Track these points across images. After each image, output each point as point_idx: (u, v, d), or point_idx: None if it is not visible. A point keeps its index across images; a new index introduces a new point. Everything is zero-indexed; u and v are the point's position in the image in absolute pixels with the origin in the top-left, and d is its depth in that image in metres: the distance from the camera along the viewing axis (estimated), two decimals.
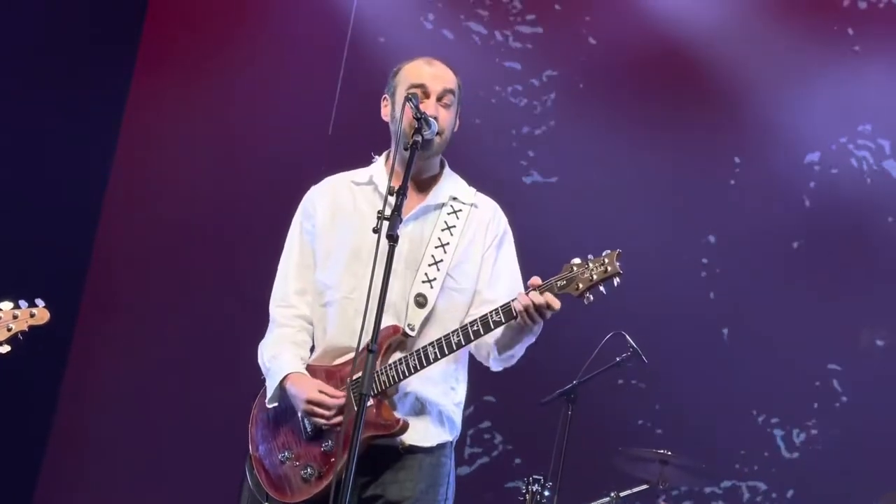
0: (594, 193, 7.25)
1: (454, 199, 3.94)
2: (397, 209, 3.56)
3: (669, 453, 5.94)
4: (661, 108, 7.30)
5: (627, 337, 5.94)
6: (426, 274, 3.80)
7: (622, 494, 6.00)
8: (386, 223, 3.53)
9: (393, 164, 3.82)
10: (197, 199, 7.48)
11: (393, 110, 3.91)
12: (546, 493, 5.77)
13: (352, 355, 3.73)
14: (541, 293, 3.63)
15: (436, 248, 3.84)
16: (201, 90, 7.51)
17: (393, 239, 3.51)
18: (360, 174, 4.01)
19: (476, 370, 4.04)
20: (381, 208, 3.57)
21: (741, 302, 7.13)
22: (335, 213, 3.95)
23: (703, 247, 7.24)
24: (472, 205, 3.96)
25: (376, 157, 4.04)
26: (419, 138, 3.72)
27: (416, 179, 3.89)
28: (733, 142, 7.31)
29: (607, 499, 5.97)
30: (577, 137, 7.34)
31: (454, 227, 3.87)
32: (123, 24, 7.75)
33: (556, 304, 3.61)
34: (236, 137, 7.53)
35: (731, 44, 7.23)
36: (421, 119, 3.73)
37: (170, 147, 7.52)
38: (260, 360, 3.95)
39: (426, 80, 3.88)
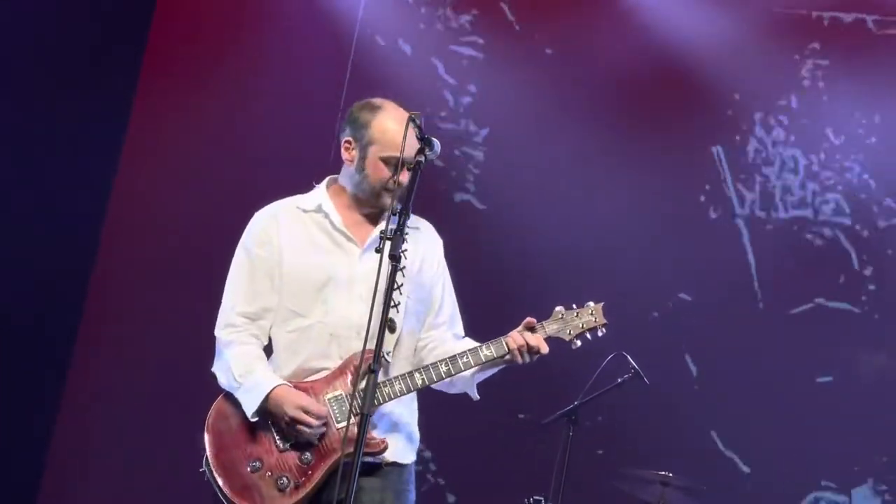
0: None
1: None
2: (400, 230, 3.68)
3: (670, 475, 5.95)
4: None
5: (629, 357, 5.95)
6: (393, 299, 3.86)
7: None
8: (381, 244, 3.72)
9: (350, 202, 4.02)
10: (200, 205, 7.50)
11: (361, 163, 4.00)
12: None
13: (324, 374, 3.90)
14: (534, 335, 3.89)
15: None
16: (206, 97, 7.54)
17: (395, 259, 3.63)
18: (306, 201, 4.10)
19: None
20: (333, 236, 3.93)
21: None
22: (291, 241, 4.03)
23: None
24: (415, 228, 4.06)
25: (316, 184, 4.15)
26: (422, 159, 3.82)
27: (371, 212, 4.03)
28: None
29: None
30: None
31: (406, 250, 3.92)
32: (129, 31, 7.78)
33: (545, 348, 3.90)
34: (240, 144, 7.55)
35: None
36: (424, 140, 3.83)
37: (174, 154, 7.54)
38: (224, 379, 4.01)
39: (407, 152, 3.91)
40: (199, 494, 6.89)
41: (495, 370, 4.04)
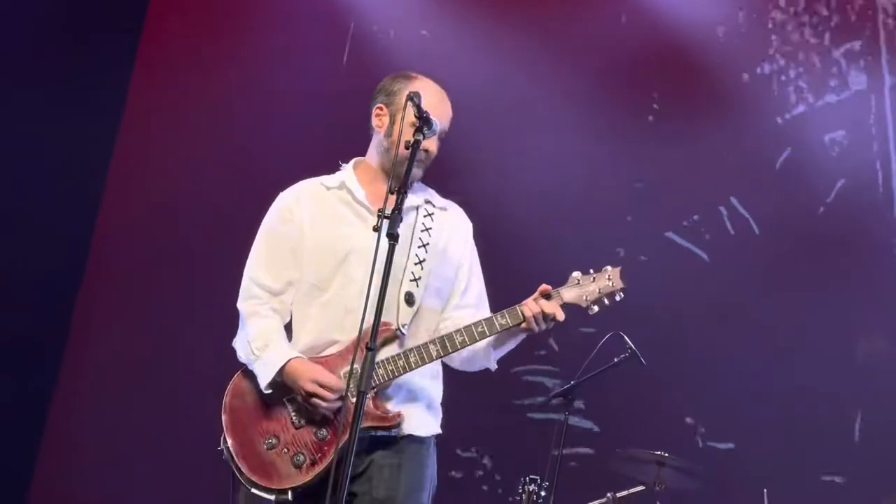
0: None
1: (427, 202, 4.09)
2: (398, 208, 3.66)
3: (666, 454, 5.95)
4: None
5: (626, 338, 5.96)
6: (412, 273, 3.92)
7: (618, 495, 6.00)
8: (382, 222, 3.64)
9: (383, 172, 3.98)
10: (195, 194, 7.48)
11: (390, 129, 4.02)
12: (542, 493, 5.78)
13: (337, 347, 3.87)
14: (549, 300, 3.82)
15: (418, 248, 3.96)
16: (201, 84, 7.52)
17: (393, 237, 3.59)
18: (330, 179, 4.11)
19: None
20: (356, 209, 3.90)
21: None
22: (314, 216, 4.03)
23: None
24: (442, 208, 4.09)
25: (343, 164, 4.15)
26: (420, 137, 3.80)
27: (395, 186, 3.94)
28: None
29: (603, 499, 5.98)
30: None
31: (431, 228, 3.99)
32: (125, 16, 7.74)
33: (561, 315, 3.82)
34: (236, 133, 7.53)
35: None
36: (422, 118, 3.81)
37: (169, 143, 7.52)
38: (243, 351, 3.99)
39: (436, 117, 3.90)
40: (191, 483, 6.94)
41: (515, 342, 3.99)
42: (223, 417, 3.95)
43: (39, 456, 7.42)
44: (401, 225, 3.81)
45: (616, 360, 6.03)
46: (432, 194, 4.15)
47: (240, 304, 4.05)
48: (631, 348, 5.95)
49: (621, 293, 3.89)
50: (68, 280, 7.52)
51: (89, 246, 7.63)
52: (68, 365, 7.53)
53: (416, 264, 3.92)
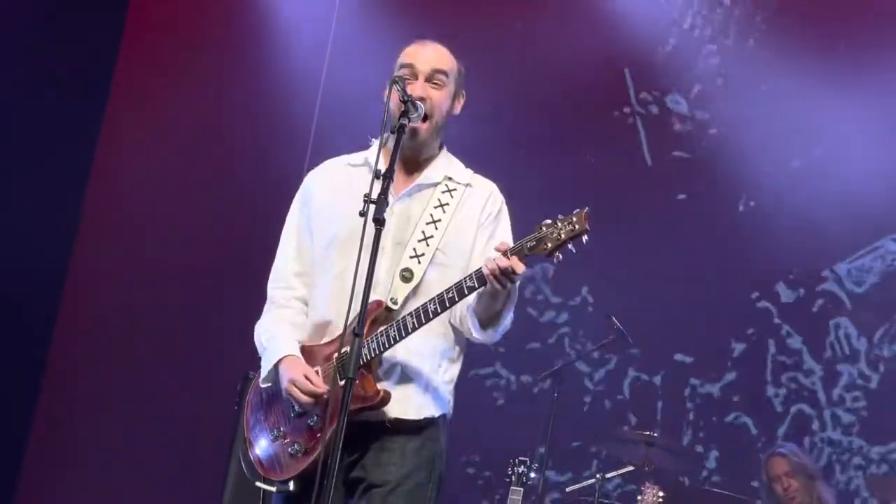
0: None
1: (449, 178, 3.91)
2: (384, 192, 3.55)
3: (655, 435, 5.97)
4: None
5: (614, 319, 5.96)
6: (414, 249, 3.79)
7: (608, 475, 6.02)
8: (372, 206, 3.51)
9: (381, 147, 3.81)
10: (176, 203, 7.44)
11: (388, 97, 3.86)
12: (532, 475, 5.78)
13: (331, 329, 3.78)
14: (508, 256, 3.58)
15: (427, 224, 3.83)
16: (181, 93, 7.48)
17: (379, 222, 3.51)
18: (356, 156, 3.98)
19: None
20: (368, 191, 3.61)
21: None
22: (332, 196, 3.93)
23: None
24: (467, 185, 3.92)
25: (373, 139, 3.99)
26: (405, 121, 3.71)
27: (412, 160, 3.88)
28: None
29: (593, 480, 5.99)
30: None
31: (447, 204, 3.85)
32: (105, 21, 7.69)
33: (520, 268, 3.58)
34: (217, 140, 7.48)
35: None
36: (407, 102, 3.71)
37: (150, 145, 7.48)
38: (257, 340, 3.95)
39: (414, 60, 3.86)
40: (175, 485, 6.93)
41: (503, 313, 3.76)
42: (245, 413, 3.94)
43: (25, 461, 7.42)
44: (414, 201, 3.78)
45: (604, 340, 6.04)
46: (456, 170, 3.95)
47: (268, 286, 3.99)
48: (618, 328, 5.95)
49: (585, 236, 3.58)
50: (50, 284, 7.50)
51: (72, 248, 7.60)
52: (49, 373, 7.52)
53: (420, 241, 3.79)
